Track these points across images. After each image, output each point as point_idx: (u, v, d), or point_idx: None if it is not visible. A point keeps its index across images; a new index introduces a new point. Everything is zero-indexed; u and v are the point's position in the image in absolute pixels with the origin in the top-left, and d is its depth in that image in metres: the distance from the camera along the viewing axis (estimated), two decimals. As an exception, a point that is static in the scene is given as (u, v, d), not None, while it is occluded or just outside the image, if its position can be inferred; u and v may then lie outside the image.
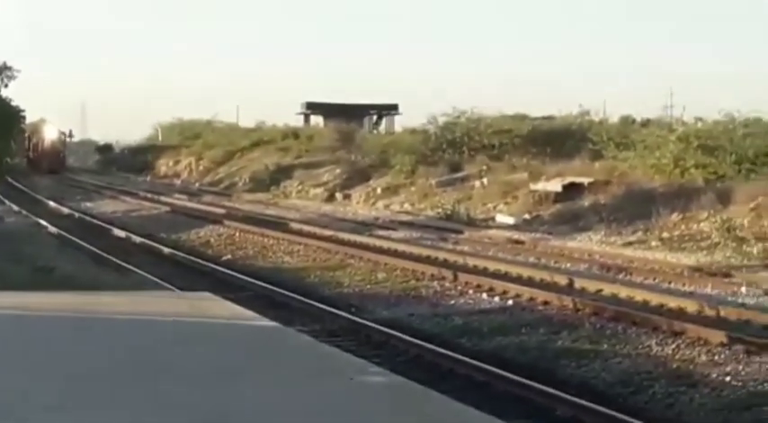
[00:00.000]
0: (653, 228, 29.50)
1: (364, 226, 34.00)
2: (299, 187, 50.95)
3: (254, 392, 8.64)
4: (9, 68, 31.53)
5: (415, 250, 26.24)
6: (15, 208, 40.74)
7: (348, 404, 8.41)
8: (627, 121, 53.64)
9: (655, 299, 18.55)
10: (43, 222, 34.06)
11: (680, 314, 17.17)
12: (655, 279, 21.62)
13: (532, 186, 37.09)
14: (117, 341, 10.94)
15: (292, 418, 7.83)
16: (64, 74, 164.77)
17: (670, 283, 21.15)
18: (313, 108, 77.30)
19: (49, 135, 79.27)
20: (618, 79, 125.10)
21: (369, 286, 20.98)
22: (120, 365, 9.63)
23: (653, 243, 27.88)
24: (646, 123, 50.19)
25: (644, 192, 33.37)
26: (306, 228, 32.43)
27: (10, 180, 58.04)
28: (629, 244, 28.03)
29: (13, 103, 35.64)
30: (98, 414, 7.82)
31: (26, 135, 78.73)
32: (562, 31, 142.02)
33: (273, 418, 7.83)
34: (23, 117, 68.27)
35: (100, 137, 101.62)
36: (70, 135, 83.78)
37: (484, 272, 22.38)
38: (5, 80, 30.94)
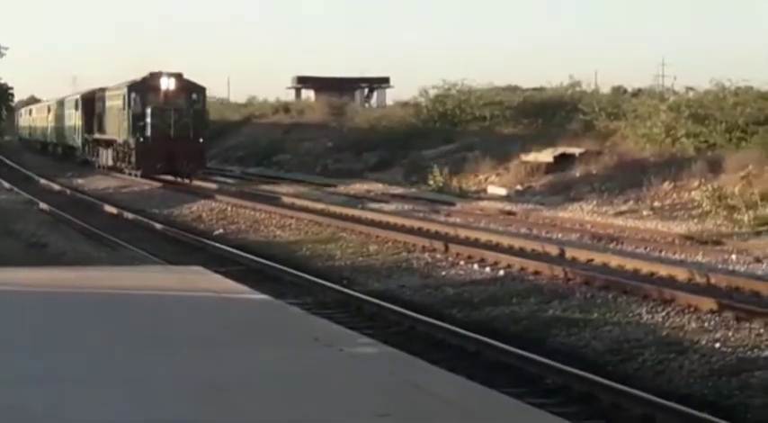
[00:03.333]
0: (644, 197, 29.57)
1: (356, 199, 34.02)
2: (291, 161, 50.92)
3: (244, 363, 8.67)
4: (-4, 46, 31.25)
5: (407, 222, 26.26)
6: (6, 185, 40.69)
7: (338, 374, 8.45)
8: (618, 92, 53.67)
9: (645, 267, 18.60)
10: (35, 199, 34.06)
11: (670, 282, 17.22)
12: (646, 248, 21.69)
13: (524, 157, 37.10)
14: (107, 315, 10.96)
15: (282, 388, 7.86)
16: (52, 48, 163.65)
17: (661, 251, 21.23)
18: (304, 82, 77.25)
19: (173, 97, 42.61)
20: (609, 50, 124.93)
21: (360, 258, 21.00)
22: (111, 339, 9.66)
23: (644, 212, 27.94)
24: (637, 93, 50.18)
25: (635, 161, 33.43)
26: (298, 201, 32.46)
27: (1, 158, 57.97)
28: (621, 213, 28.11)
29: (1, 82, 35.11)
30: (87, 387, 7.85)
31: (91, 102, 49.69)
32: (551, 3, 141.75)
33: (263, 388, 7.87)
34: (11, 94, 67.19)
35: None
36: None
37: (475, 243, 22.43)
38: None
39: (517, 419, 7.38)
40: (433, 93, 49.26)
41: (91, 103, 49.63)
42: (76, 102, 53.20)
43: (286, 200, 33.08)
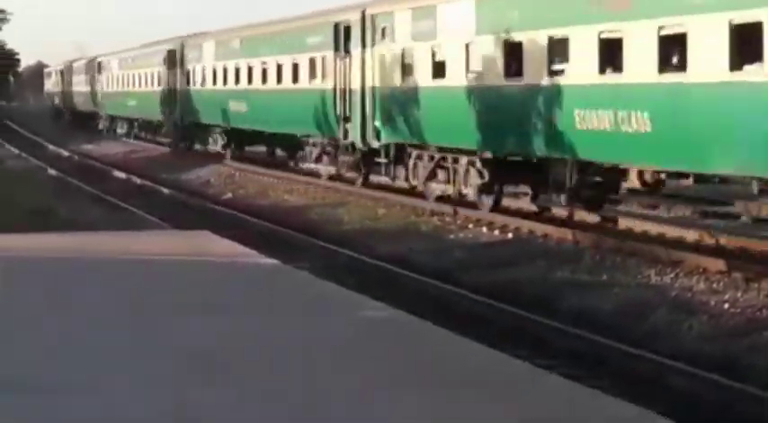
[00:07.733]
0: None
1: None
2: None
3: (252, 327, 8.65)
4: (1, 11, 31.13)
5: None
6: (15, 151, 40.71)
7: (347, 338, 8.42)
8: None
9: (654, 229, 18.47)
10: (43, 165, 34.09)
11: (679, 243, 17.11)
12: (654, 209, 21.51)
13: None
14: (117, 279, 10.95)
15: (290, 352, 7.84)
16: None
17: (670, 211, 21.05)
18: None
19: None
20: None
21: (369, 222, 20.95)
22: (119, 303, 9.65)
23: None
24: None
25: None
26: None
27: (9, 123, 57.94)
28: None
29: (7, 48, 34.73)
30: (97, 351, 7.85)
31: None
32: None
33: (271, 352, 7.85)
34: (18, 60, 67.04)
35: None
36: None
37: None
38: (-2, 24, 30.53)
39: (529, 383, 7.33)
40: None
41: None
42: None
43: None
